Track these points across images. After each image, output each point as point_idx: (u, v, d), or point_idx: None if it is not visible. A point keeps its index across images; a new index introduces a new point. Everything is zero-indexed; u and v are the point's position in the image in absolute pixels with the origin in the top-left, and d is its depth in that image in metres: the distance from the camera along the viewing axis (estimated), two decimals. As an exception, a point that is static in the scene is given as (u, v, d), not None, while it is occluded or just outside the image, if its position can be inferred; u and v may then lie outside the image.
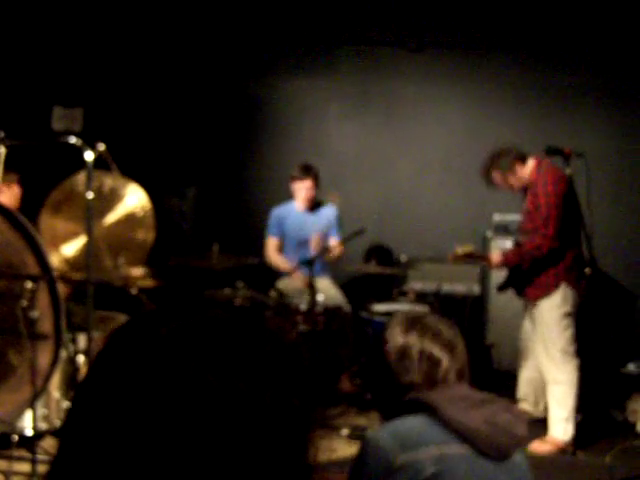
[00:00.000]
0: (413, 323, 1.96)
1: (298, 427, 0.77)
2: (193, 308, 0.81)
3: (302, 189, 5.49)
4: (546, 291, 4.42)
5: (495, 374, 5.73)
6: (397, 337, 1.94)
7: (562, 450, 4.39)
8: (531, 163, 4.49)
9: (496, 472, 1.78)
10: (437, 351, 1.91)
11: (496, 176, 4.57)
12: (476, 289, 5.95)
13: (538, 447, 4.35)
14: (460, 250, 4.64)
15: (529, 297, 4.54)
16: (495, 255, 4.64)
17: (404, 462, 1.72)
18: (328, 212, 5.68)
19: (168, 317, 0.79)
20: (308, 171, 5.47)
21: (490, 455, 1.77)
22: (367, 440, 1.81)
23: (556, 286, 4.39)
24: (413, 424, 1.81)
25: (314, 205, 5.65)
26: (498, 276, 5.17)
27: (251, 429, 0.73)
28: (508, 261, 4.57)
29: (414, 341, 1.92)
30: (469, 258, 4.72)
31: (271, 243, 5.64)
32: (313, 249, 5.36)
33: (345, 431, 4.61)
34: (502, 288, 4.77)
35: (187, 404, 0.71)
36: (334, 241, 5.54)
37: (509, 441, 1.79)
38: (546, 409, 4.58)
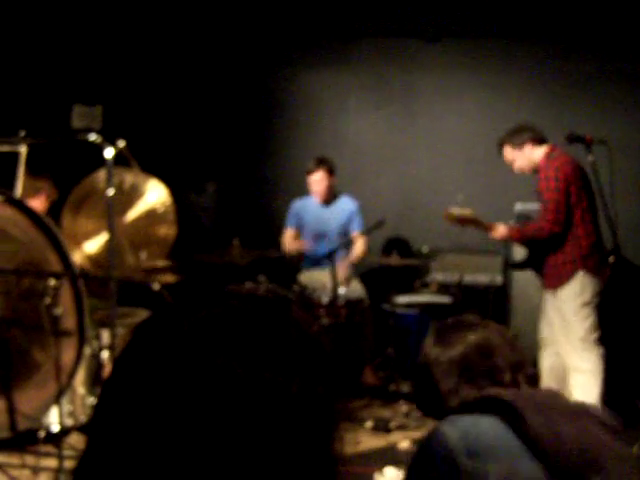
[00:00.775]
0: (455, 328, 1.87)
1: (324, 416, 0.77)
2: (215, 300, 0.81)
3: (314, 182, 5.49)
4: (563, 280, 4.38)
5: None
6: (443, 351, 1.83)
7: None
8: (544, 148, 4.46)
9: None
10: (497, 343, 1.80)
11: (506, 150, 4.58)
12: (499, 279, 5.91)
13: None
14: (455, 211, 4.57)
15: (548, 286, 4.51)
16: (501, 227, 4.55)
17: (469, 470, 1.55)
18: (347, 205, 5.67)
19: (191, 310, 0.79)
20: (320, 164, 5.47)
21: (564, 477, 1.55)
22: (435, 435, 1.65)
23: (573, 274, 4.34)
24: (487, 427, 1.62)
25: (332, 198, 5.64)
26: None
27: (278, 418, 0.72)
28: (512, 236, 4.55)
29: (480, 339, 1.81)
30: (466, 222, 4.61)
31: (287, 234, 5.67)
32: (340, 273, 5.24)
33: (369, 423, 4.62)
34: (517, 266, 4.75)
35: (214, 395, 0.71)
36: (356, 234, 5.53)
37: (588, 464, 1.56)
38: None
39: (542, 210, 4.38)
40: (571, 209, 4.32)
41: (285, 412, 0.73)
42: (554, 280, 4.43)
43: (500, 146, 4.62)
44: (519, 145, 4.50)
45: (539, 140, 4.49)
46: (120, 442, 0.73)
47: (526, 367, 1.81)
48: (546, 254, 4.45)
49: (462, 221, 4.60)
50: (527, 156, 4.50)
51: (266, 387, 0.72)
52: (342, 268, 5.31)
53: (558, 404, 1.66)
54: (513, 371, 1.77)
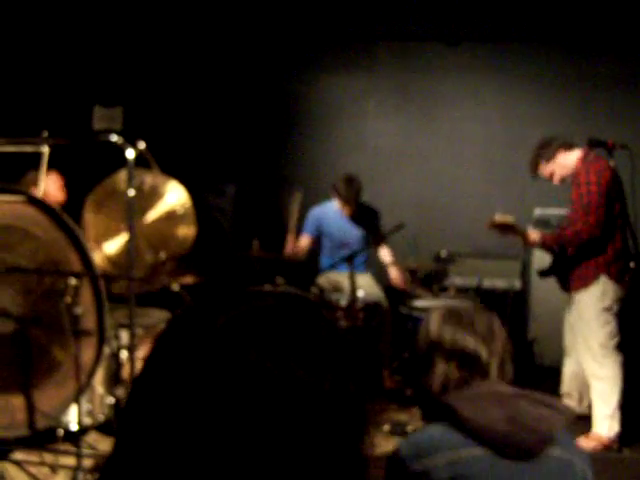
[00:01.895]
0: (448, 317, 1.91)
1: (355, 414, 0.77)
2: (247, 297, 0.81)
3: (345, 205, 5.45)
4: (585, 283, 4.35)
5: (537, 370, 5.67)
6: (430, 332, 1.91)
7: (607, 447, 4.32)
8: (578, 153, 4.42)
9: (522, 472, 1.66)
10: (472, 344, 1.85)
11: (541, 168, 4.54)
12: (517, 284, 5.88)
13: (582, 444, 4.28)
14: (500, 217, 4.55)
15: (572, 288, 4.48)
16: (534, 233, 4.54)
17: (418, 470, 1.67)
18: (370, 213, 5.65)
19: (223, 307, 0.79)
20: (352, 190, 5.36)
21: (510, 455, 1.66)
22: (392, 453, 1.77)
23: (595, 278, 4.31)
24: (433, 431, 1.74)
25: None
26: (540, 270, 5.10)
27: (310, 415, 0.73)
28: (545, 242, 4.50)
29: (448, 334, 1.88)
30: (506, 229, 4.58)
31: (303, 241, 5.63)
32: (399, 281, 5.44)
33: (386, 427, 4.61)
34: (544, 274, 4.70)
35: (246, 392, 0.71)
36: (384, 251, 5.58)
37: (533, 438, 1.67)
38: (590, 405, 4.52)
39: (578, 215, 4.29)
40: (607, 213, 4.27)
41: (317, 409, 0.73)
42: (577, 282, 4.40)
43: (533, 168, 4.56)
44: (552, 157, 4.46)
45: (567, 145, 4.45)
46: (151, 437, 0.73)
47: (506, 366, 1.89)
48: (572, 257, 4.41)
49: (503, 228, 4.58)
50: (562, 163, 4.45)
51: (299, 384, 0.72)
52: (399, 276, 5.50)
53: (497, 393, 1.77)
54: (488, 371, 1.85)
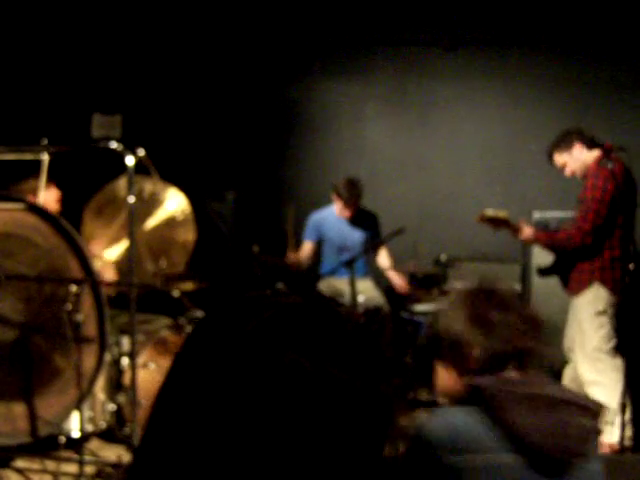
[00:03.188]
0: (490, 298, 1.80)
1: (384, 413, 0.78)
2: (270, 302, 0.81)
3: (344, 207, 5.45)
4: (580, 287, 4.34)
5: (538, 373, 5.66)
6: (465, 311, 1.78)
7: (613, 452, 4.27)
8: (595, 152, 4.30)
9: None
10: (517, 324, 1.73)
11: (556, 157, 4.47)
12: (517, 287, 5.88)
13: None
14: (491, 212, 4.51)
15: (570, 292, 4.47)
16: (527, 228, 4.49)
17: (451, 465, 1.56)
18: (368, 218, 5.67)
19: (249, 312, 0.79)
20: (353, 192, 5.37)
21: (545, 470, 1.56)
22: (419, 430, 1.62)
23: (589, 284, 4.30)
24: (468, 420, 1.61)
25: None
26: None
27: (343, 413, 0.73)
28: (538, 239, 4.49)
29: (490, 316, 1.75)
30: (498, 224, 4.54)
31: (305, 247, 5.64)
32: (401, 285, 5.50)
33: (392, 433, 4.59)
34: (544, 273, 4.69)
35: (282, 389, 0.72)
36: (383, 255, 5.59)
37: (574, 456, 1.57)
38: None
39: (578, 217, 4.28)
40: (606, 222, 4.23)
41: (350, 407, 0.74)
42: (574, 286, 4.40)
43: (549, 155, 4.50)
44: (567, 148, 4.39)
45: (587, 141, 4.36)
46: (184, 435, 0.74)
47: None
48: (572, 260, 4.40)
49: (495, 223, 4.54)
50: (577, 157, 4.38)
51: (332, 382, 0.73)
52: (401, 281, 5.53)
53: (541, 392, 1.63)
54: (529, 358, 1.73)
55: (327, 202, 5.64)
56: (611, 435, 4.22)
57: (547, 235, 4.51)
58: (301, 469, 0.71)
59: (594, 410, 1.64)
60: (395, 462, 0.82)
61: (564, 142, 4.43)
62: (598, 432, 1.64)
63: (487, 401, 1.61)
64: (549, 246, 4.51)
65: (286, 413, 0.72)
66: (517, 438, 1.56)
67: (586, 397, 1.71)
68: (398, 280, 5.58)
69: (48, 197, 4.57)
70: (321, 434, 0.72)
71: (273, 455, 0.71)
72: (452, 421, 1.63)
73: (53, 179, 4.43)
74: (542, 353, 1.75)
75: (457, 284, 5.87)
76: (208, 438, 0.72)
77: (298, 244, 5.59)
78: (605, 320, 4.30)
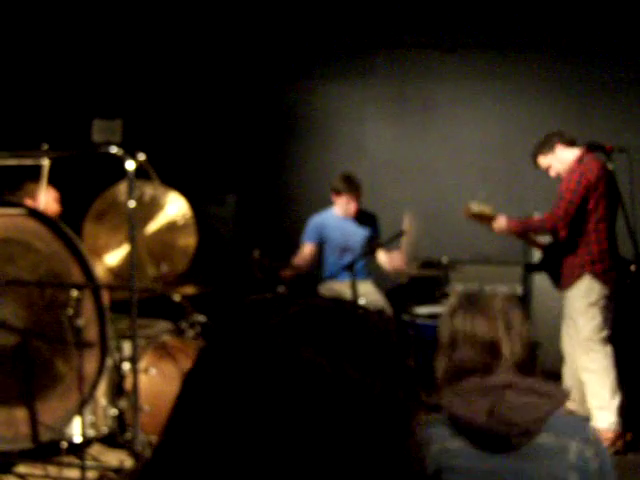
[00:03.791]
0: (465, 302, 1.89)
1: (402, 420, 0.78)
2: (296, 299, 0.82)
3: (345, 204, 5.44)
4: (571, 281, 4.48)
5: (539, 374, 5.65)
6: (446, 323, 1.89)
7: (612, 442, 4.30)
8: (577, 151, 4.52)
9: (507, 463, 1.69)
10: (486, 330, 1.82)
11: (540, 159, 4.67)
12: (518, 289, 5.88)
13: None
14: (476, 207, 4.59)
15: (562, 287, 4.60)
16: (501, 219, 4.62)
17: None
18: (369, 218, 5.67)
19: (274, 307, 0.80)
20: (351, 186, 5.37)
21: (489, 448, 1.70)
22: None
23: (580, 276, 4.43)
24: (430, 425, 1.78)
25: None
26: (542, 277, 5.11)
27: (359, 417, 0.73)
28: (511, 227, 4.61)
29: (460, 324, 1.85)
30: (483, 220, 4.66)
31: (305, 249, 5.62)
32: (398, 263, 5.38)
33: (414, 438, 4.58)
34: (531, 269, 4.81)
35: (300, 389, 0.72)
36: (383, 256, 5.58)
37: (512, 430, 1.68)
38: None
39: (553, 206, 4.47)
40: (586, 215, 4.41)
41: (366, 410, 0.74)
42: (565, 281, 4.54)
43: (533, 158, 4.71)
44: (550, 149, 4.59)
45: (568, 141, 4.58)
46: (204, 432, 0.74)
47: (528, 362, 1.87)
48: (560, 256, 4.56)
49: (481, 219, 4.66)
50: (560, 158, 4.58)
51: (351, 385, 0.73)
52: (398, 258, 5.40)
53: (484, 384, 1.76)
54: (511, 366, 1.81)
55: (327, 205, 5.63)
56: (603, 421, 4.34)
57: (520, 222, 4.68)
58: (310, 468, 0.71)
59: (541, 390, 1.75)
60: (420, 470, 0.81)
61: (547, 144, 4.63)
62: (551, 407, 1.72)
63: (438, 403, 1.78)
64: (523, 232, 4.71)
65: (299, 411, 0.71)
66: (459, 425, 1.73)
67: (539, 383, 1.78)
68: (396, 258, 5.49)
69: (46, 198, 4.57)
70: (333, 435, 0.72)
71: (281, 450, 0.71)
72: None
73: (50, 181, 4.43)
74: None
75: (458, 286, 5.89)
76: (224, 429, 0.73)
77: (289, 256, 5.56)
78: (597, 311, 4.43)
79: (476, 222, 4.75)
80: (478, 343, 1.82)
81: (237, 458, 0.72)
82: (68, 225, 3.75)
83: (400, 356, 0.81)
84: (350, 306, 0.83)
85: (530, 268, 4.80)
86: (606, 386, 4.38)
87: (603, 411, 4.38)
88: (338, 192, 5.43)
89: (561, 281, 4.60)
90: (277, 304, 0.80)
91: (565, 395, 1.81)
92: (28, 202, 4.07)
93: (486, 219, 4.65)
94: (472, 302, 1.90)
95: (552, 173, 4.65)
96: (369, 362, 0.76)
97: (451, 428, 1.75)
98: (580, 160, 4.46)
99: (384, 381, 0.76)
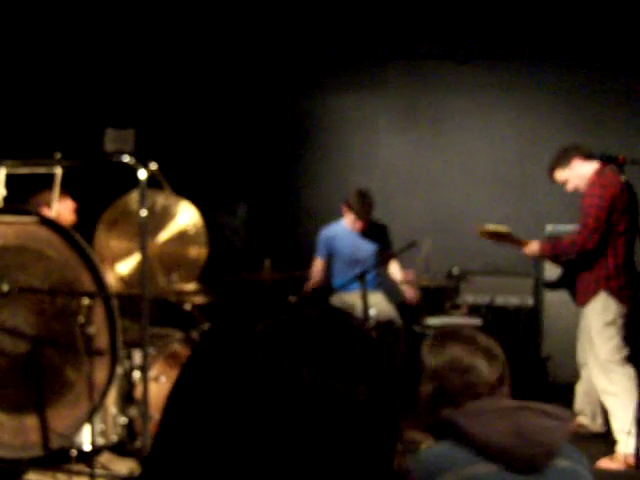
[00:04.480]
0: (445, 338, 1.92)
1: (388, 425, 0.78)
2: (283, 308, 0.82)
3: (357, 220, 5.45)
4: (587, 298, 4.36)
5: (551, 387, 5.63)
6: (429, 358, 1.91)
7: (630, 466, 4.22)
8: (595, 165, 4.39)
9: None
10: (472, 360, 1.84)
11: (557, 174, 4.55)
12: (530, 301, 5.86)
13: (606, 464, 4.20)
14: (491, 227, 4.55)
15: (578, 303, 4.50)
16: (534, 244, 4.54)
17: None
18: (379, 230, 5.67)
19: (262, 315, 0.80)
20: (364, 204, 5.37)
21: (519, 469, 1.66)
22: (401, 473, 1.70)
23: (595, 293, 4.31)
24: (440, 450, 1.74)
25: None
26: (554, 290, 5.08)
27: (343, 424, 0.73)
28: (543, 250, 4.52)
29: (449, 352, 1.88)
30: (499, 238, 4.60)
31: (316, 264, 5.67)
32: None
33: (400, 445, 4.57)
34: (551, 286, 4.72)
35: (280, 398, 0.72)
36: (394, 267, 5.59)
37: (539, 451, 1.67)
38: (604, 423, 4.48)
39: (580, 226, 4.33)
40: (607, 229, 4.27)
41: (349, 418, 0.74)
42: (581, 297, 4.43)
43: (550, 173, 4.58)
44: (567, 163, 4.47)
45: (585, 155, 4.44)
46: (188, 439, 0.74)
47: (506, 382, 1.88)
48: (577, 271, 4.44)
49: (496, 237, 4.58)
50: (577, 172, 4.45)
51: (331, 393, 0.73)
52: (412, 293, 5.54)
53: (500, 406, 1.76)
54: (491, 387, 1.83)
55: (340, 216, 5.64)
56: (626, 445, 4.18)
57: (552, 245, 4.54)
58: (290, 475, 0.71)
59: (553, 413, 1.74)
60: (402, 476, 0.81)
61: (563, 159, 4.50)
62: (564, 431, 1.72)
63: (449, 426, 1.75)
64: (555, 256, 4.57)
65: (280, 420, 0.71)
66: (483, 447, 1.67)
67: (547, 406, 1.78)
68: (409, 292, 5.58)
69: (63, 208, 4.59)
70: (313, 443, 0.72)
71: (263, 460, 0.71)
72: (424, 456, 1.76)
73: (67, 191, 4.46)
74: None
75: (469, 297, 5.87)
76: (209, 437, 0.73)
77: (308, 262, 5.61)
78: (614, 331, 4.30)
79: (492, 240, 4.67)
80: (459, 370, 1.84)
81: (221, 466, 0.72)
82: (80, 233, 3.76)
83: (387, 363, 0.80)
84: (338, 315, 0.82)
85: (548, 285, 4.71)
86: (628, 410, 4.12)
87: (626, 436, 4.14)
88: (349, 207, 5.44)
89: (577, 296, 4.49)
90: (266, 312, 0.80)
91: (573, 419, 1.81)
92: (44, 211, 4.09)
93: (502, 237, 4.59)
94: (443, 335, 1.94)
95: (569, 187, 4.53)
96: (352, 369, 0.76)
97: (471, 450, 1.68)
98: (600, 173, 4.34)
99: (368, 388, 0.76)
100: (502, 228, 4.56)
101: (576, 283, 4.47)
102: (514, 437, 1.67)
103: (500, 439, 1.67)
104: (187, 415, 0.75)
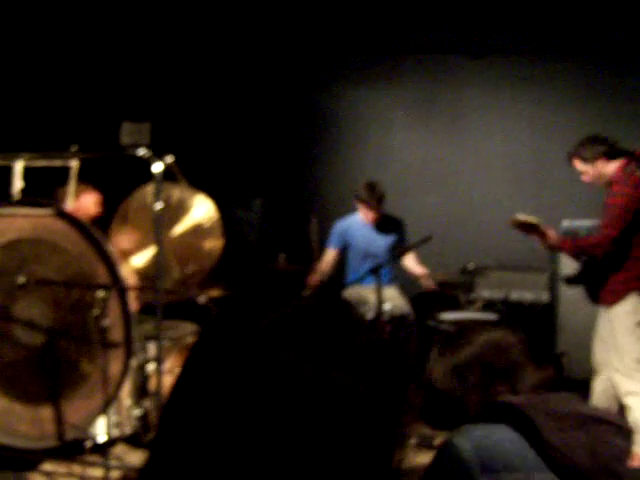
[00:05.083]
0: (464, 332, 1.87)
1: (391, 417, 0.78)
2: (289, 301, 0.82)
3: (368, 212, 5.46)
4: (615, 298, 4.24)
5: (566, 383, 5.61)
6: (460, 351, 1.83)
7: None
8: (618, 162, 4.25)
9: None
10: (508, 340, 1.77)
11: (576, 163, 4.38)
12: (545, 296, 5.84)
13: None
14: (522, 217, 4.45)
15: (602, 302, 4.38)
16: (554, 236, 4.37)
17: None
18: (394, 224, 5.66)
19: (266, 309, 0.80)
20: (375, 196, 5.37)
21: None
22: (447, 447, 1.56)
23: (625, 293, 4.20)
24: (500, 439, 1.55)
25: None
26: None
27: (345, 419, 0.73)
28: (563, 245, 4.38)
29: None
30: (529, 229, 4.47)
31: (329, 254, 5.65)
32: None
33: (413, 440, 4.58)
34: (571, 281, 4.60)
35: (282, 391, 0.72)
36: (410, 260, 5.58)
37: (606, 474, 1.53)
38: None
39: (605, 224, 4.19)
40: (635, 229, 4.15)
41: (351, 410, 0.74)
42: (609, 296, 4.27)
43: (570, 157, 4.41)
44: (590, 160, 4.29)
45: (613, 154, 4.27)
46: (190, 433, 0.74)
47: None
48: (603, 270, 4.30)
49: (527, 227, 4.47)
50: (599, 171, 4.29)
51: (334, 385, 0.73)
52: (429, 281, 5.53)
53: (572, 410, 1.61)
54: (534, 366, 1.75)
55: (354, 210, 5.64)
56: None
57: (573, 242, 4.43)
58: (293, 470, 0.71)
59: (627, 430, 1.61)
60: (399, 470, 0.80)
61: (587, 153, 4.31)
62: (630, 453, 1.59)
63: (518, 419, 1.57)
64: (575, 253, 4.43)
65: (282, 413, 0.72)
66: (551, 457, 1.51)
67: (617, 416, 1.66)
68: (428, 283, 5.56)
69: (87, 200, 4.62)
70: (316, 435, 0.72)
71: (266, 454, 0.71)
72: (482, 439, 1.56)
73: (91, 183, 4.49)
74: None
75: (484, 293, 5.86)
76: (212, 431, 0.73)
77: (322, 253, 5.60)
78: None
79: (521, 232, 4.55)
80: (501, 349, 1.77)
81: (223, 458, 0.72)
82: (96, 226, 3.78)
83: (390, 354, 0.80)
84: (343, 309, 0.82)
85: (571, 281, 4.59)
86: None
87: None
88: (360, 200, 5.44)
89: (601, 296, 4.33)
90: (271, 305, 0.80)
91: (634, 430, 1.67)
92: (67, 204, 4.12)
93: (532, 229, 4.46)
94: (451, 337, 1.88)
95: (585, 179, 4.39)
96: (355, 361, 0.76)
97: (538, 456, 1.52)
98: (625, 168, 4.19)
99: (371, 380, 0.76)
100: (532, 219, 4.46)
101: (601, 283, 4.32)
102: (589, 457, 1.53)
103: (577, 457, 1.53)
104: (189, 408, 0.76)
